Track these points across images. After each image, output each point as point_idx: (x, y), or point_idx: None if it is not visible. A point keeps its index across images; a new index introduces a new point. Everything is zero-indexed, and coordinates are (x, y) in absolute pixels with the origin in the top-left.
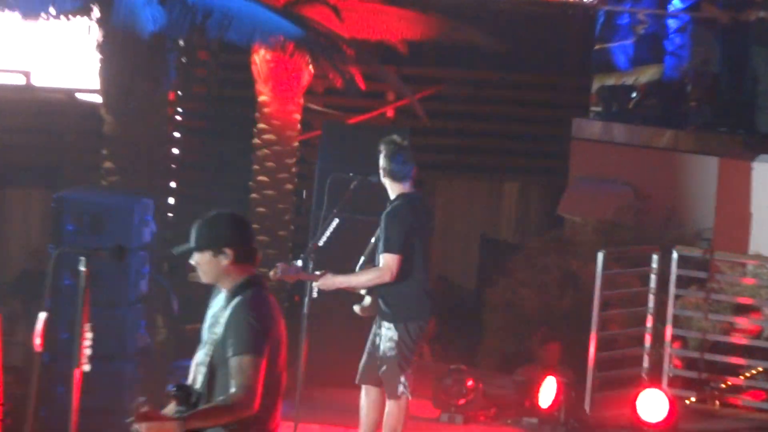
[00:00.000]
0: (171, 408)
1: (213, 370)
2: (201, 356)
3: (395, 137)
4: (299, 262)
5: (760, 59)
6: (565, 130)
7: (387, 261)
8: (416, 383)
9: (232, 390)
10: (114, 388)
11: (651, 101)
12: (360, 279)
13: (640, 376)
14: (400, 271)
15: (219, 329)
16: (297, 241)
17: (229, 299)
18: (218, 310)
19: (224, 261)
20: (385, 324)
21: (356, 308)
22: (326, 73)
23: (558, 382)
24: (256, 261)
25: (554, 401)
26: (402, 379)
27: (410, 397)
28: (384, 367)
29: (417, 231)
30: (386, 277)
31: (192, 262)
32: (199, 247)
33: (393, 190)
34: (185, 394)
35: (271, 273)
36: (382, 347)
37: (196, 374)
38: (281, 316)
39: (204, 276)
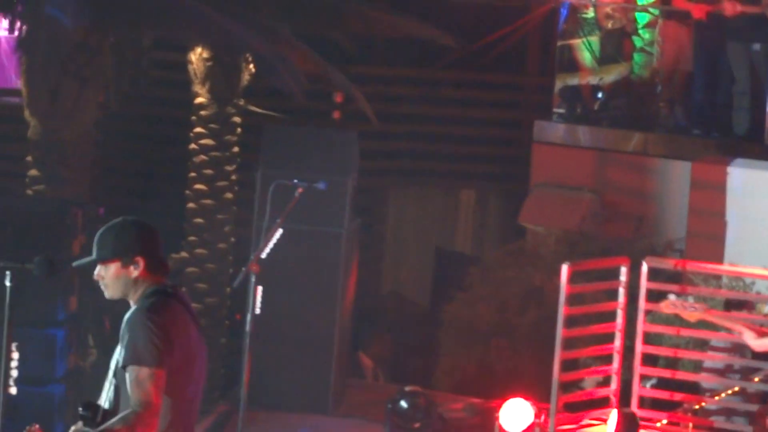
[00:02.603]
0: (79, 428)
1: (118, 384)
2: (110, 370)
3: None
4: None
5: (736, 57)
6: (525, 133)
7: None
8: (368, 406)
9: (131, 407)
10: (42, 413)
11: (618, 102)
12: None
13: (608, 397)
14: None
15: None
16: (238, 254)
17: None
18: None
19: (135, 272)
20: None
21: None
22: (268, 72)
23: (524, 405)
24: (167, 271)
25: (521, 425)
26: None
27: None
28: None
29: None
30: None
31: (95, 275)
32: (104, 258)
33: None
34: (92, 414)
35: (663, 305)
36: None
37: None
38: (194, 327)
39: (109, 290)
